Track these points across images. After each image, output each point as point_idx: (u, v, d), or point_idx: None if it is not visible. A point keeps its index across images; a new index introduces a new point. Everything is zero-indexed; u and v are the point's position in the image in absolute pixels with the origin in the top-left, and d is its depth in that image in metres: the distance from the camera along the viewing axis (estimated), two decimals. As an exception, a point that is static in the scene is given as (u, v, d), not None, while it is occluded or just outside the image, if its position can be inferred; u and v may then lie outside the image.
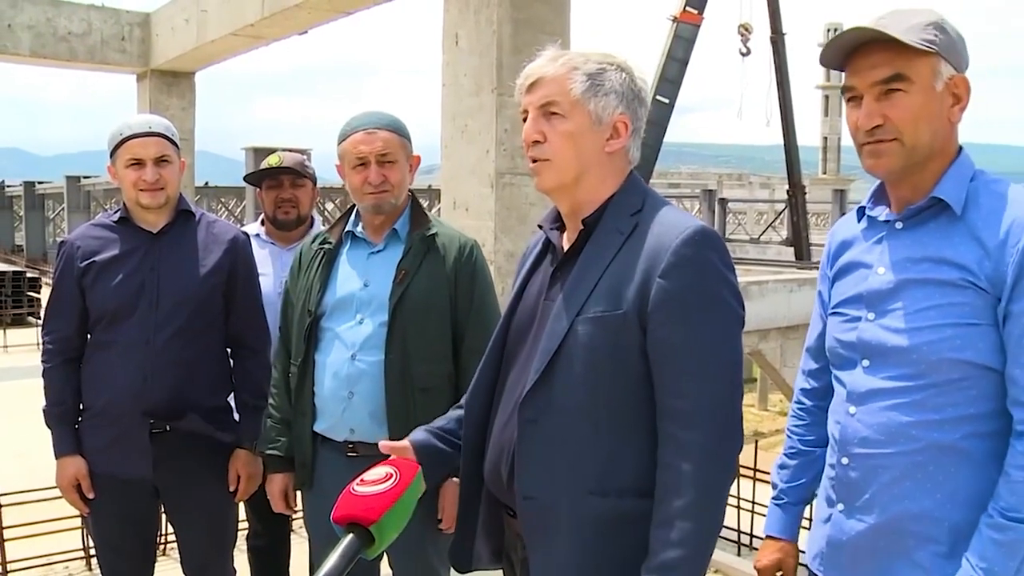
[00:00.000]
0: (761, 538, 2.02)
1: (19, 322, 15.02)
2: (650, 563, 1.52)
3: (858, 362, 1.67)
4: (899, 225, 1.65)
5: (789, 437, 1.97)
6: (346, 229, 2.47)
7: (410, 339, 2.33)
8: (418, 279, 2.36)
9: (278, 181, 3.25)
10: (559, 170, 1.65)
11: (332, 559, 1.09)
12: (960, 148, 1.65)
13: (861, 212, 1.75)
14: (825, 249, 1.86)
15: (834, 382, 1.76)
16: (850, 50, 1.63)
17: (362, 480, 1.18)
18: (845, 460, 1.68)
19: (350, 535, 1.13)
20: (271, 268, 3.18)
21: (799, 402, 1.96)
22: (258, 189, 3.32)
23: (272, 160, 3.27)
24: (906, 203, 1.65)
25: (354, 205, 2.49)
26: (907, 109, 1.58)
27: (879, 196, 1.73)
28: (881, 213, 1.70)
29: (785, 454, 1.98)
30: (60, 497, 2.72)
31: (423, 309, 2.35)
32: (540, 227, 1.80)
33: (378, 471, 1.19)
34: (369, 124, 2.38)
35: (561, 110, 1.63)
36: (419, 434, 1.80)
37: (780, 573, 1.96)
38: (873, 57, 1.59)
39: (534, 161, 1.67)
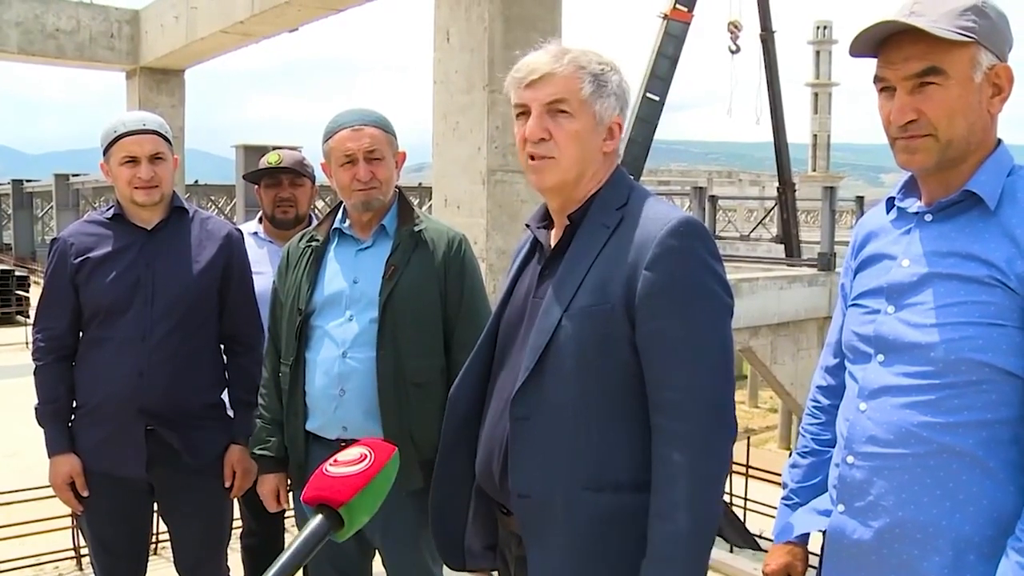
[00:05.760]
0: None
1: (7, 321, 14.95)
2: (650, 556, 1.53)
3: (873, 356, 1.57)
4: (928, 218, 1.56)
5: (802, 436, 1.87)
6: (333, 226, 2.46)
7: (401, 335, 2.33)
8: (407, 275, 2.35)
9: (277, 180, 3.24)
10: (564, 169, 1.65)
11: (298, 540, 1.05)
12: (999, 141, 1.56)
13: (890, 203, 1.67)
14: (851, 240, 1.77)
15: (847, 378, 1.67)
16: (881, 38, 1.52)
17: (335, 460, 1.15)
18: (850, 459, 1.58)
19: (319, 516, 1.11)
20: (269, 267, 3.16)
21: (815, 400, 1.86)
22: (256, 187, 3.31)
23: (271, 159, 3.26)
24: (937, 196, 1.56)
25: (341, 202, 2.49)
26: (942, 103, 1.48)
27: (910, 187, 1.64)
28: (911, 204, 1.61)
29: (798, 453, 1.88)
30: (51, 497, 2.71)
31: (413, 305, 2.34)
32: (527, 226, 1.81)
33: (352, 452, 1.17)
34: (355, 121, 2.38)
35: (571, 109, 1.64)
36: None
37: None
38: (906, 48, 1.49)
39: (533, 159, 1.66)
